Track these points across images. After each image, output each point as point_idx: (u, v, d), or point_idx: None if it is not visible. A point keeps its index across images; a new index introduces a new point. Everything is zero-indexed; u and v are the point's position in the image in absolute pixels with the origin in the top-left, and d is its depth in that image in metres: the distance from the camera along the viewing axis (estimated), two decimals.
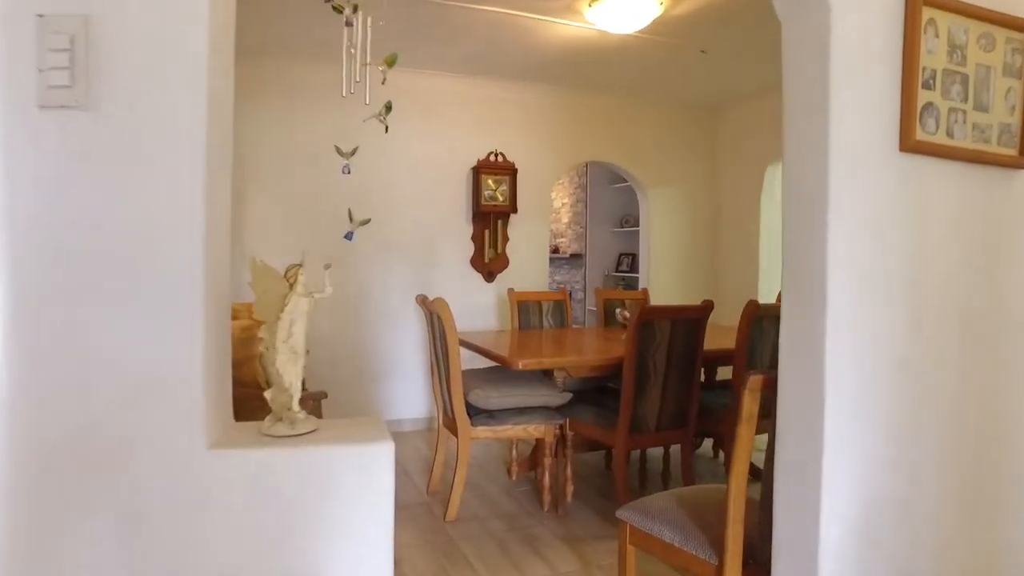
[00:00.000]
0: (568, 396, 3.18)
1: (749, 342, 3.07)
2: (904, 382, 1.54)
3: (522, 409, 3.11)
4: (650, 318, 2.85)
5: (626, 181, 6.52)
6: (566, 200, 7.48)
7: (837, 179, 1.43)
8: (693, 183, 5.63)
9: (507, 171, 4.85)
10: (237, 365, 1.57)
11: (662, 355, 2.92)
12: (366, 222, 2.74)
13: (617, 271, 7.04)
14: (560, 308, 4.34)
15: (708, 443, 4.14)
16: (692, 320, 2.98)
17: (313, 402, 2.88)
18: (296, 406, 1.31)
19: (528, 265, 5.06)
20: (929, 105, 1.51)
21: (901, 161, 1.51)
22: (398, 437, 4.46)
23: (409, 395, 4.72)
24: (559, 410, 3.19)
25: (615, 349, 3.17)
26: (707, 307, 2.99)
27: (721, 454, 4.09)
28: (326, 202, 4.45)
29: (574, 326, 4.61)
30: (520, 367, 2.77)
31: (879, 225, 1.49)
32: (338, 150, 2.92)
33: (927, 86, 1.50)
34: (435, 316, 3.12)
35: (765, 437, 1.66)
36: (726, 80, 4.79)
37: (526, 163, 5.00)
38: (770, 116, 5.14)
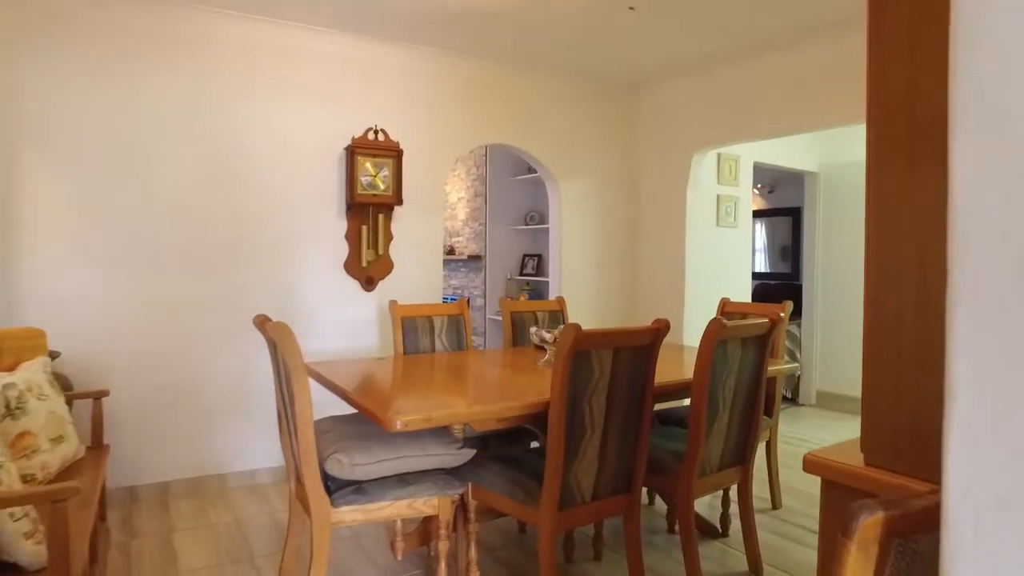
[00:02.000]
0: (470, 453, 2.29)
1: (711, 372, 2.31)
2: None
3: (405, 477, 2.19)
4: (586, 347, 2.02)
5: (531, 172, 5.73)
6: (463, 194, 6.60)
7: None
8: (611, 173, 4.92)
9: (390, 153, 3.89)
10: None
11: (601, 397, 2.09)
12: None
13: (522, 274, 6.24)
14: (456, 326, 3.44)
15: None
16: (641, 348, 2.17)
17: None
18: None
19: (417, 269, 4.13)
20: None
21: None
22: (249, 496, 3.38)
23: (267, 437, 3.64)
24: (457, 473, 2.29)
25: (534, 387, 2.31)
26: (660, 330, 2.19)
27: (658, 500, 3.35)
28: (156, 188, 3.31)
29: (475, 346, 3.71)
30: (399, 427, 1.85)
31: None
32: None
33: None
34: (276, 346, 2.14)
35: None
36: (651, 50, 4.08)
37: (414, 144, 4.06)
38: (698, 97, 4.49)
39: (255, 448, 3.62)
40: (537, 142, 4.58)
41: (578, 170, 4.76)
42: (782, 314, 3.20)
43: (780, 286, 8.07)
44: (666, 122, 4.76)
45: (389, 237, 4.00)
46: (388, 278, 4.02)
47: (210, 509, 3.21)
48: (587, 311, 4.81)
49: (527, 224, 6.10)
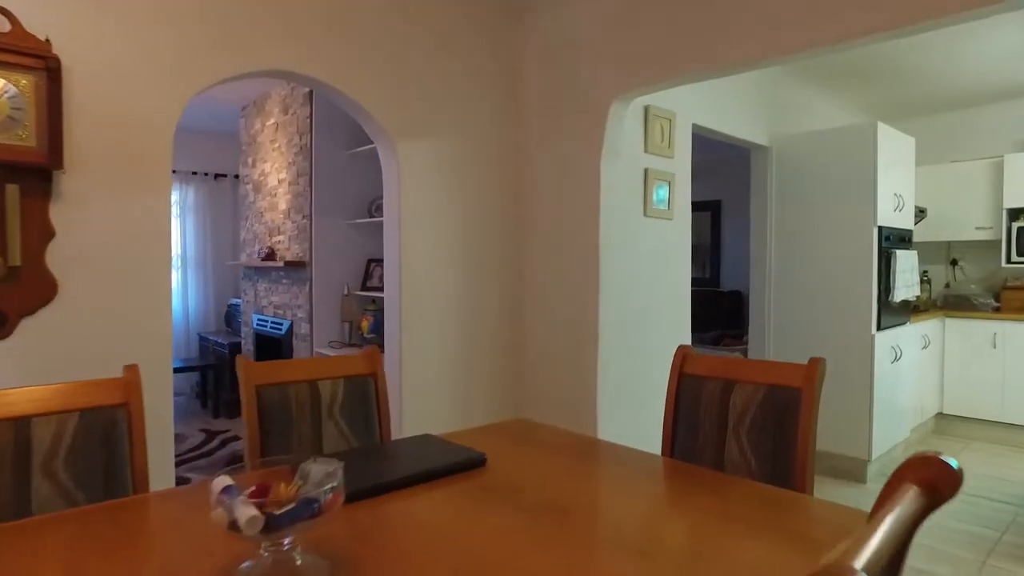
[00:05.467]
0: None
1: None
2: None
3: None
4: None
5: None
6: (284, 175, 4.63)
7: None
8: (483, 134, 3.16)
9: (26, 60, 1.93)
10: None
11: None
12: None
13: (365, 287, 4.37)
14: (363, 395, 1.51)
15: None
16: None
17: None
18: None
19: (113, 293, 2.18)
20: None
21: None
22: None
23: None
24: None
25: None
26: None
27: None
28: None
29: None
30: None
31: None
32: None
33: None
34: None
35: None
36: None
37: (101, 55, 2.12)
38: (614, 15, 2.82)
39: None
40: (362, 80, 2.75)
41: (430, 128, 2.97)
42: (813, 383, 1.61)
43: (697, 295, 6.68)
44: (568, 57, 3.07)
45: (42, 232, 2.03)
46: (45, 311, 2.05)
47: None
48: (443, 349, 3.04)
49: (372, 216, 4.24)
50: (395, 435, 3.29)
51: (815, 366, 1.60)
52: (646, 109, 3.20)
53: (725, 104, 3.74)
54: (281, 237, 4.69)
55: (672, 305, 3.44)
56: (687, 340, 3.60)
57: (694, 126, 3.53)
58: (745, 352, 4.33)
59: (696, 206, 7.49)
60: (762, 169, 4.19)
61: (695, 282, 7.40)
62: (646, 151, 3.21)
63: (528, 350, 3.31)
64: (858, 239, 3.79)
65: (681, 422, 1.82)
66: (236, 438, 4.85)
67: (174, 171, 6.14)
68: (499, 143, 3.23)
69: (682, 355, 1.86)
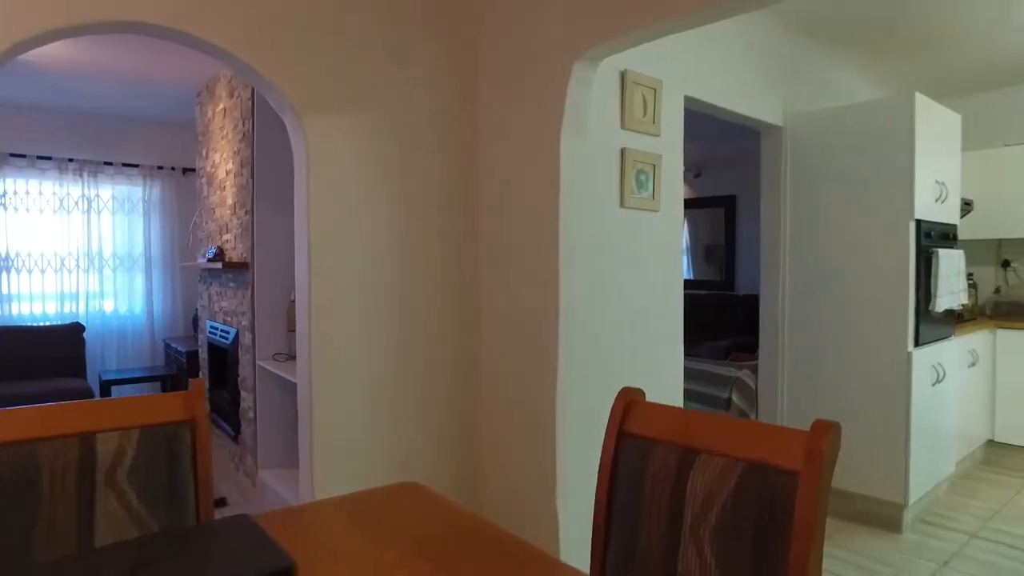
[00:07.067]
0: None
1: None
2: None
3: None
4: None
5: None
6: (231, 166, 4.11)
7: None
8: (428, 113, 2.57)
9: None
10: None
11: None
12: None
13: None
14: (170, 456, 1.01)
15: None
16: None
17: None
18: None
19: None
20: None
21: None
22: None
23: None
24: None
25: None
26: None
27: None
28: None
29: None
30: None
31: None
32: None
33: None
34: None
35: None
36: None
37: None
38: None
39: None
40: (257, 38, 2.19)
41: (348, 95, 2.40)
42: (823, 449, 0.99)
43: (708, 299, 6.02)
44: (528, 14, 2.47)
45: None
46: None
47: None
48: (368, 370, 2.46)
49: None
50: (302, 485, 2.77)
51: (824, 436, 0.99)
52: (623, 75, 2.58)
53: (727, 74, 3.10)
54: (229, 236, 4.17)
55: (659, 317, 2.82)
56: (678, 360, 2.97)
57: (687, 99, 2.90)
58: (755, 370, 3.68)
59: (709, 201, 6.82)
60: (774, 153, 3.54)
61: (707, 285, 6.73)
62: (623, 127, 2.59)
63: (482, 373, 2.72)
64: (892, 236, 3.12)
65: (618, 510, 1.22)
66: None
67: (137, 165, 5.68)
68: (447, 123, 2.65)
69: (624, 404, 1.26)
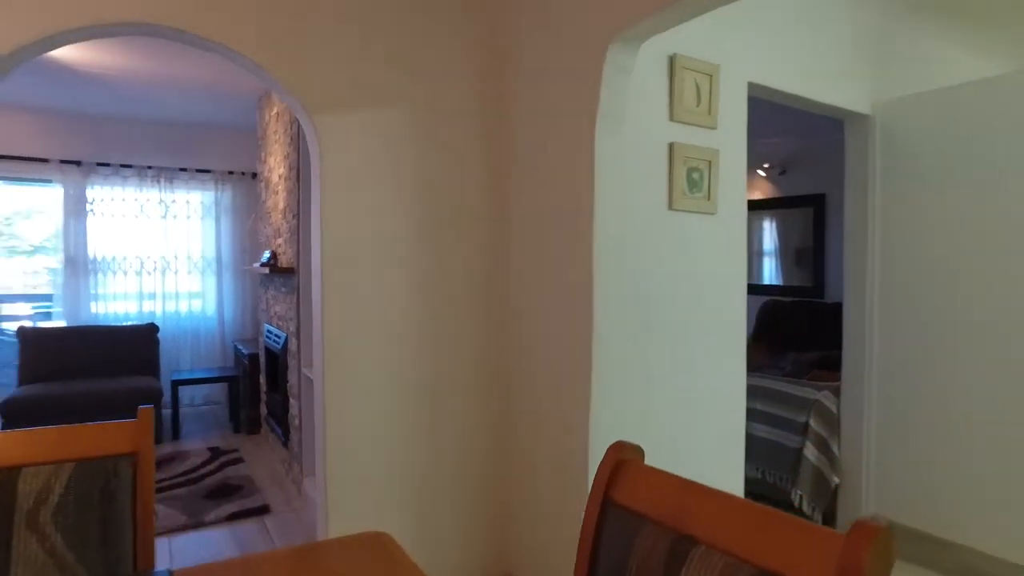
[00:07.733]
0: None
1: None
2: None
3: None
4: None
5: None
6: (282, 170, 4.08)
7: None
8: (455, 107, 2.37)
9: None
10: None
11: None
12: None
13: None
14: (104, 497, 0.96)
15: None
16: None
17: None
18: None
19: None
20: None
21: None
22: None
23: None
24: None
25: None
26: None
27: None
28: None
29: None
30: None
31: None
32: None
33: None
34: None
35: None
36: None
37: None
38: None
39: None
40: (267, 32, 2.06)
41: (361, 94, 2.23)
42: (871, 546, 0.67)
43: (796, 306, 5.50)
44: None
45: None
46: None
47: None
48: (385, 385, 2.28)
49: None
50: (320, 521, 2.65)
51: (866, 545, 0.70)
52: (672, 60, 2.28)
53: (801, 56, 2.71)
54: (280, 240, 4.14)
55: (717, 329, 2.49)
56: (739, 375, 2.62)
57: (751, 86, 2.55)
58: (836, 391, 3.24)
59: (795, 201, 6.25)
60: (861, 146, 3.10)
61: (795, 292, 6.17)
62: (672, 119, 2.29)
63: (513, 398, 2.49)
64: (1014, 238, 2.63)
65: None
66: (240, 460, 4.37)
67: (209, 171, 5.83)
68: (474, 119, 2.43)
69: (612, 463, 1.00)
